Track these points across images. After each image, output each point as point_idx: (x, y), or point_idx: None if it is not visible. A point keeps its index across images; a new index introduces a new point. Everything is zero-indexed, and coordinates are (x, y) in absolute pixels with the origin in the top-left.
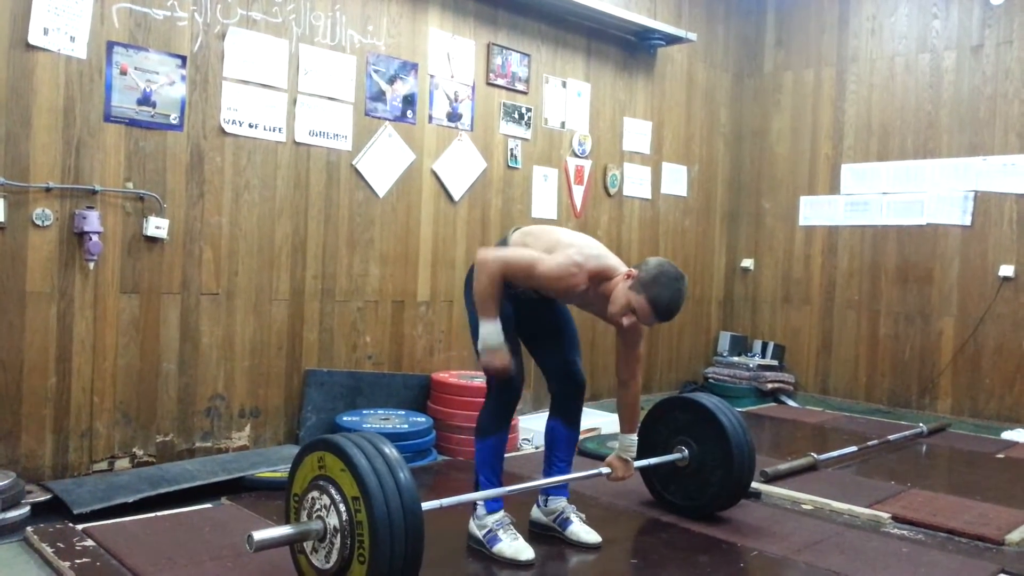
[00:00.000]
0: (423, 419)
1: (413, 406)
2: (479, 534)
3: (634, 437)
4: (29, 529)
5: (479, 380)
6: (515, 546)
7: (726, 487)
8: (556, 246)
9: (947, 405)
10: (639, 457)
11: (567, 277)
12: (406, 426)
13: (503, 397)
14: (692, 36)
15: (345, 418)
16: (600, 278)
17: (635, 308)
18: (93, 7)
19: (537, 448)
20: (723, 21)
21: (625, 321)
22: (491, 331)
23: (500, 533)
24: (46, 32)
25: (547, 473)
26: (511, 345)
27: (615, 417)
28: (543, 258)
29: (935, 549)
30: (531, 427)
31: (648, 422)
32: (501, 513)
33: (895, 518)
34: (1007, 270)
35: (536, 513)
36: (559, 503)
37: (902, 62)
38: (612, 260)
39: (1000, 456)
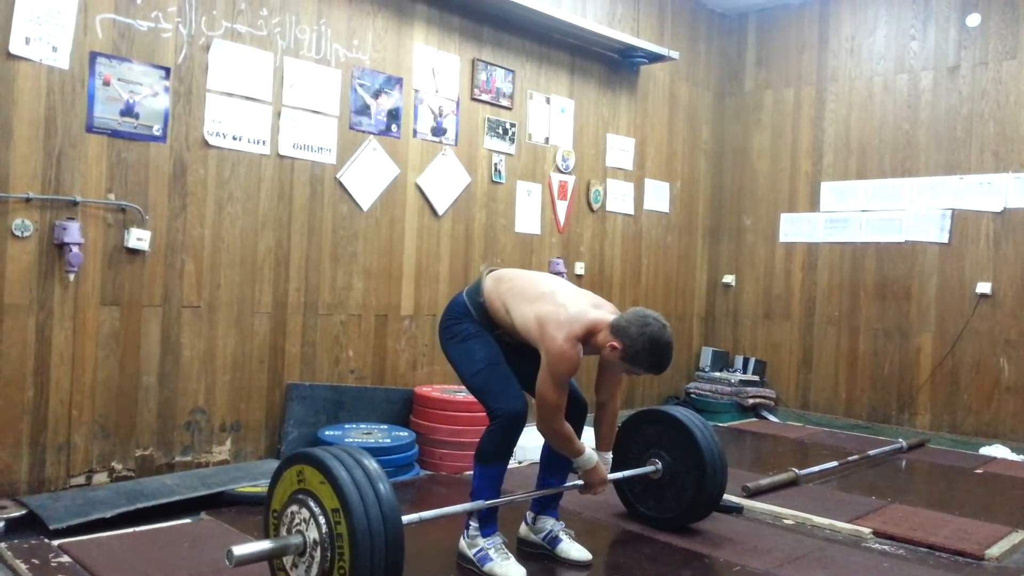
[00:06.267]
0: (406, 433)
1: (396, 420)
2: (470, 553)
3: (608, 455)
4: (3, 545)
5: (462, 395)
6: (506, 566)
7: (702, 493)
8: (535, 298)
9: (926, 421)
10: (613, 472)
11: (573, 361)
12: (388, 440)
13: (510, 425)
14: (674, 54)
15: (327, 432)
16: (588, 336)
17: (629, 371)
18: (76, 17)
19: (520, 463)
20: (705, 40)
21: (624, 375)
22: (587, 458)
23: (491, 552)
24: (28, 42)
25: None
26: (509, 368)
27: None
28: (557, 363)
29: (916, 564)
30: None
31: (620, 437)
32: (496, 536)
33: (876, 533)
34: (984, 287)
35: (524, 531)
36: (547, 522)
37: (880, 82)
38: (592, 312)
39: (979, 471)
